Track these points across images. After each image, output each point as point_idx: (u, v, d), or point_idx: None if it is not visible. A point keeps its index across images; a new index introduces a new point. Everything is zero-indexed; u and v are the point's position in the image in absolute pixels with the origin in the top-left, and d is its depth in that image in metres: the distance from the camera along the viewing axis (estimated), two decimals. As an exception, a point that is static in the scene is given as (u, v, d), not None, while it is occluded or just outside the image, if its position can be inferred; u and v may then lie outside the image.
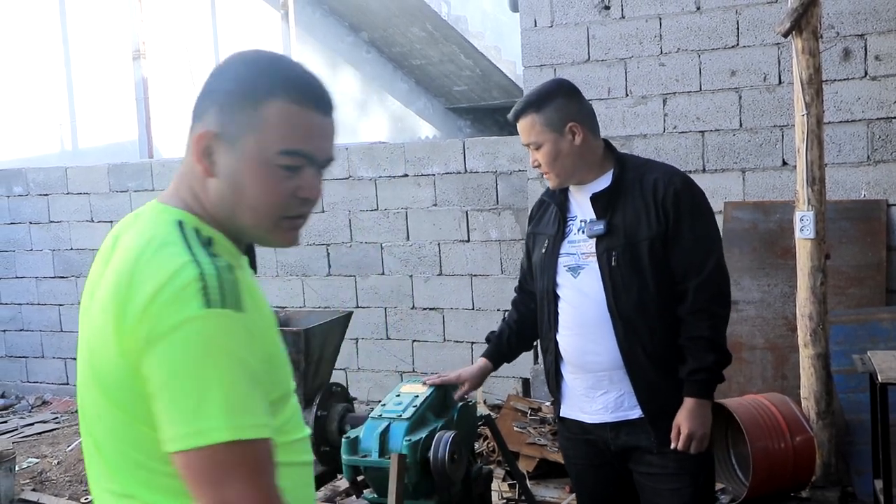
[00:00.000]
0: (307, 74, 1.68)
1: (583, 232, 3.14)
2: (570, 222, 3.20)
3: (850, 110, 6.06)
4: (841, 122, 6.03)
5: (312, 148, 1.64)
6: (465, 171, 7.34)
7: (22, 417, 8.49)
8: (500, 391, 6.89)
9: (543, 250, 3.22)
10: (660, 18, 6.48)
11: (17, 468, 6.39)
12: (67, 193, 8.77)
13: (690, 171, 6.42)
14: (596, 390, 3.12)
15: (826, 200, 5.66)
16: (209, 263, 1.54)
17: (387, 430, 3.34)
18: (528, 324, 3.48)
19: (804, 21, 5.22)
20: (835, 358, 5.60)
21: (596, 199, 3.11)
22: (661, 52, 6.51)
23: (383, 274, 7.65)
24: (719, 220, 6.40)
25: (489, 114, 15.39)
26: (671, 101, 6.55)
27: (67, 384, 9.05)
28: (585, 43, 6.68)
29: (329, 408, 4.34)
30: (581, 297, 3.12)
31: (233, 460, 1.44)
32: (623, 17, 6.56)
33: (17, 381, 9.30)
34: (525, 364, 6.97)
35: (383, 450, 3.30)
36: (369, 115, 14.08)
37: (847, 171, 6.15)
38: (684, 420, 3.09)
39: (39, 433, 7.89)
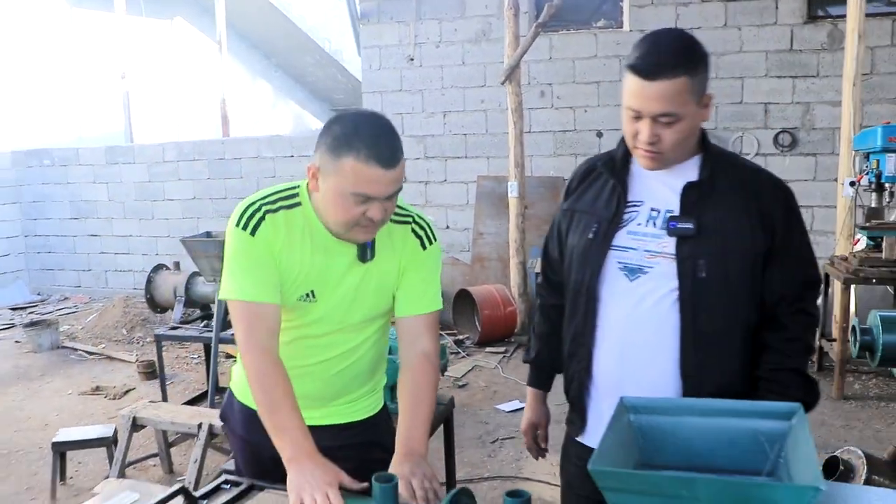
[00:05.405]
0: (378, 138, 1.59)
1: (655, 224, 1.68)
2: (634, 208, 1.72)
3: (545, 126, 6.92)
4: (541, 131, 6.87)
5: (372, 191, 1.60)
6: (331, 154, 7.95)
7: (54, 306, 8.63)
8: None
9: (591, 235, 1.74)
10: (442, 67, 7.20)
11: (58, 329, 6.89)
12: (79, 165, 8.85)
13: (458, 158, 7.20)
14: None
15: (527, 176, 6.38)
16: (259, 206, 1.70)
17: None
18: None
19: (512, 76, 6.18)
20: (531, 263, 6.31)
21: (689, 190, 1.67)
22: (443, 87, 7.21)
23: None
24: (474, 188, 7.12)
25: (360, 113, 15.46)
26: (448, 116, 7.25)
27: (80, 286, 9.12)
28: (399, 80, 7.32)
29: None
30: (635, 308, 1.67)
31: (233, 308, 1.68)
32: (421, 66, 7.26)
33: (48, 284, 9.30)
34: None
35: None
36: (279, 113, 13.96)
37: (543, 160, 6.98)
38: None
39: (66, 314, 8.09)
